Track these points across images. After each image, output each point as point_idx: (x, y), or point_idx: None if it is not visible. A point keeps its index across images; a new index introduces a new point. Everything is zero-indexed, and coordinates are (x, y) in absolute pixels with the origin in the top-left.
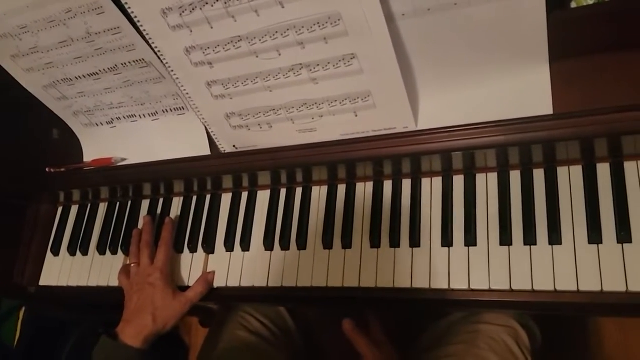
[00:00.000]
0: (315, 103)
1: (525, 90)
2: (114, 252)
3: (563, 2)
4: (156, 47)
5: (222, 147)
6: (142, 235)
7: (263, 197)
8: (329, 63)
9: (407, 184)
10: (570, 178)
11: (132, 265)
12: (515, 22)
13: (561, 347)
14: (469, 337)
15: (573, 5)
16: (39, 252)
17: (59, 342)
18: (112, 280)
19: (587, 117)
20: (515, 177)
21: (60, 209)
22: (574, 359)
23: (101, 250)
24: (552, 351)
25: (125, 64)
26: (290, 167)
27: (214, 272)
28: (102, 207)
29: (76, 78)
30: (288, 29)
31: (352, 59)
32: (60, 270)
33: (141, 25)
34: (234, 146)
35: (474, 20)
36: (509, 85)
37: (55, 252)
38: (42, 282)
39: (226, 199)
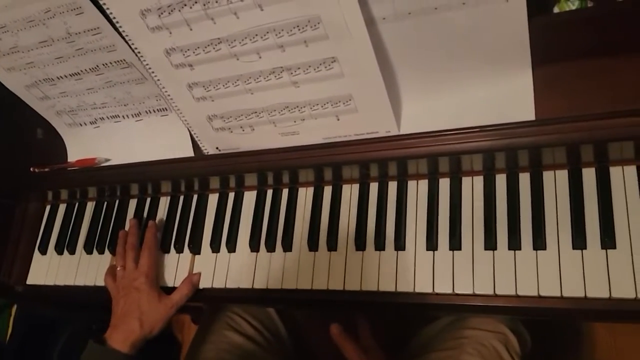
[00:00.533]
0: (297, 106)
1: (508, 95)
2: (101, 252)
3: (545, 7)
4: (136, 48)
5: (205, 149)
6: (127, 238)
7: (249, 198)
8: (309, 66)
9: (393, 187)
10: (556, 182)
11: (118, 268)
12: (497, 27)
13: (552, 352)
14: (457, 343)
15: (556, 10)
16: (26, 250)
17: (51, 338)
18: (98, 279)
19: (569, 124)
20: (501, 180)
21: (48, 208)
22: None
23: (88, 250)
24: (542, 356)
25: (106, 64)
26: (275, 169)
27: (199, 274)
28: (90, 206)
29: (58, 78)
30: (268, 32)
31: (332, 62)
32: (48, 269)
33: (120, 26)
34: (217, 148)
35: (455, 24)
36: (491, 91)
37: (43, 251)
38: (30, 280)
39: (213, 199)
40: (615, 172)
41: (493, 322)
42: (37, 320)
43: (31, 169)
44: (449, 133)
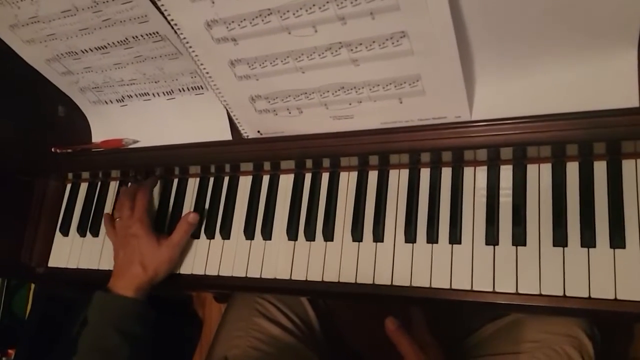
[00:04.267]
0: (354, 87)
1: (605, 78)
2: None
3: None
4: (172, 20)
5: (245, 133)
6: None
7: (286, 182)
8: (373, 42)
9: (447, 172)
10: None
11: (117, 219)
12: None
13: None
14: (527, 347)
15: None
16: (47, 231)
17: (72, 314)
18: None
19: None
20: (573, 168)
21: (68, 187)
22: None
23: None
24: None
25: (136, 37)
26: (321, 156)
27: (196, 213)
28: (113, 186)
29: (82, 52)
30: (328, 2)
31: (401, 37)
32: (70, 252)
33: None
34: (258, 132)
35: None
36: (582, 73)
37: (65, 232)
38: (51, 263)
39: (245, 182)
40: None
41: (565, 324)
42: (56, 296)
43: (52, 149)
44: (529, 120)
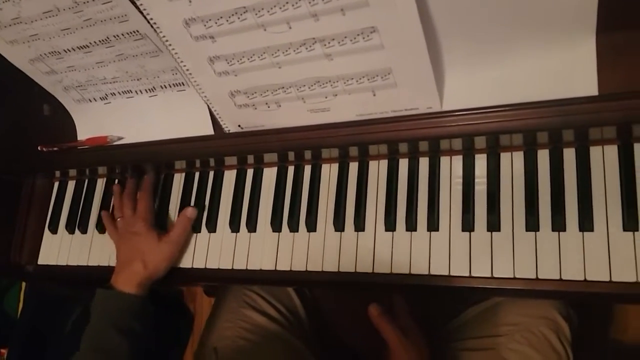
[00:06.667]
0: (329, 81)
1: (566, 67)
2: None
3: None
4: (151, 19)
5: (226, 127)
6: (125, 189)
7: (269, 175)
8: (345, 37)
9: (424, 162)
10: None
11: (118, 219)
12: None
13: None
14: (505, 330)
15: None
16: (36, 229)
17: (64, 311)
18: (113, 260)
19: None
20: (543, 157)
21: (56, 185)
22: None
23: (101, 229)
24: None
25: (117, 36)
26: (300, 148)
27: (194, 208)
28: (100, 183)
29: (65, 51)
30: None
31: (372, 32)
32: (59, 249)
33: None
34: (239, 126)
35: None
36: (545, 62)
37: (53, 230)
38: (41, 261)
39: (230, 176)
40: None
41: (542, 307)
42: (48, 294)
43: (39, 148)
44: (497, 110)
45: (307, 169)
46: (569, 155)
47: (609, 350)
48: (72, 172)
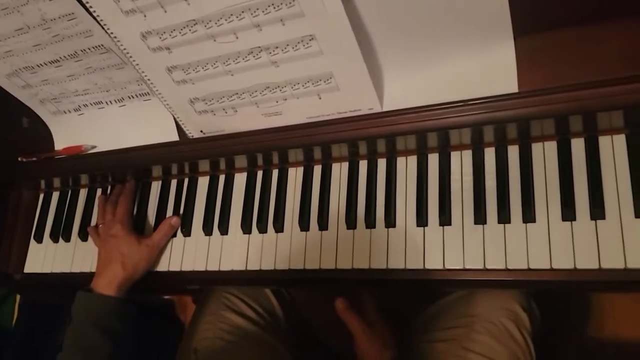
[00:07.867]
0: (278, 86)
1: (490, 68)
2: None
3: None
4: (112, 33)
5: (190, 133)
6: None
7: (240, 180)
8: (287, 45)
9: (382, 164)
10: (545, 154)
11: (100, 225)
12: None
13: (561, 327)
14: (466, 321)
15: None
16: (22, 239)
17: (58, 321)
18: (95, 266)
19: (554, 95)
20: (490, 154)
21: (41, 196)
22: (575, 339)
23: (83, 237)
24: (552, 331)
25: (84, 50)
26: (262, 150)
27: (178, 216)
28: (83, 193)
29: (38, 66)
30: (243, 11)
31: (310, 40)
32: (44, 257)
33: (94, 11)
34: (201, 131)
35: None
36: (473, 63)
37: (39, 239)
38: (27, 269)
39: (204, 182)
40: (604, 141)
41: (503, 298)
42: (42, 305)
43: (19, 159)
44: (432, 109)
45: (275, 174)
46: (513, 152)
47: (585, 345)
48: (57, 183)
